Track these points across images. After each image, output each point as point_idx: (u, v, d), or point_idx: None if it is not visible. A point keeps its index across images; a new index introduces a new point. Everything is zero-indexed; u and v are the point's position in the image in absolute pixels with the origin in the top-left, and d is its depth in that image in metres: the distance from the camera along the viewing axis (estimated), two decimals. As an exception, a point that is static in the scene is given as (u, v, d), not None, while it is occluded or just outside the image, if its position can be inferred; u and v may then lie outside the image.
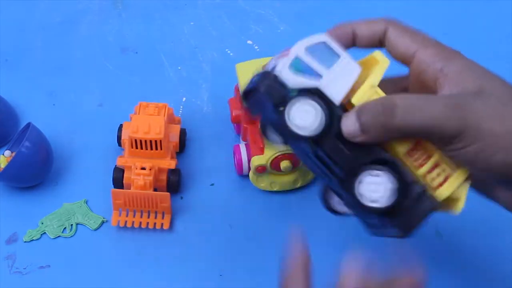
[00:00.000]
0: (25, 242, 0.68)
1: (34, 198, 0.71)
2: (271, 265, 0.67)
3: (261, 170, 0.68)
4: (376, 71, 0.48)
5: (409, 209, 0.48)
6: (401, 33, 0.50)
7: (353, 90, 0.48)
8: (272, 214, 0.70)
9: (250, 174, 0.70)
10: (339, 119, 0.47)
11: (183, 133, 0.74)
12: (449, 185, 0.48)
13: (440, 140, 0.46)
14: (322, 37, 0.48)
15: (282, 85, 0.47)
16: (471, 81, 0.47)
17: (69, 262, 0.67)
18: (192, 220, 0.70)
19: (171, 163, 0.70)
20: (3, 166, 0.70)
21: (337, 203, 0.53)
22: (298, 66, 0.47)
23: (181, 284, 0.66)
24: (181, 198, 0.72)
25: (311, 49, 0.47)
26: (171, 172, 0.70)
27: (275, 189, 0.71)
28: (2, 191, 0.71)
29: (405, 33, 0.50)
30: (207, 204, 0.71)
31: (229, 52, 0.84)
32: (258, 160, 0.68)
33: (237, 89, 0.73)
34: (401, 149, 0.48)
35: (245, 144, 0.71)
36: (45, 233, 0.69)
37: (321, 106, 0.47)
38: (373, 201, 0.47)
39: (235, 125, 0.75)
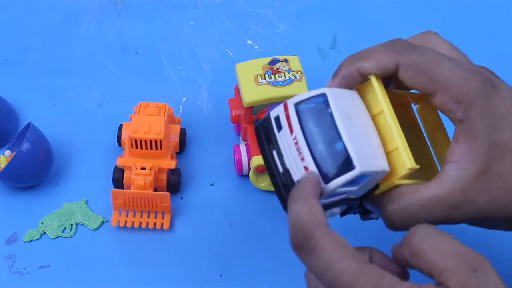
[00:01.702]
0: (25, 242, 0.68)
1: (34, 198, 0.71)
2: (271, 265, 0.67)
3: (261, 170, 0.68)
4: (401, 173, 0.48)
5: None
6: (415, 72, 0.48)
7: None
8: (272, 214, 0.70)
9: (250, 174, 0.70)
10: (357, 202, 0.50)
11: (183, 133, 0.74)
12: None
13: None
14: (358, 171, 0.45)
15: None
16: (480, 152, 0.46)
17: (69, 262, 0.67)
18: (192, 220, 0.70)
19: (171, 163, 0.70)
20: (3, 166, 0.70)
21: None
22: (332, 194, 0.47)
23: (181, 284, 0.66)
24: (181, 198, 0.71)
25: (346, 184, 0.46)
26: (171, 172, 0.70)
27: (275, 189, 0.71)
28: (2, 191, 0.71)
29: (419, 71, 0.48)
30: (207, 204, 0.71)
31: (229, 52, 0.84)
32: (258, 160, 0.68)
33: (237, 89, 0.73)
34: None
35: (245, 144, 0.71)
36: (45, 233, 0.69)
37: (345, 205, 0.50)
38: None
39: (235, 125, 0.75)
